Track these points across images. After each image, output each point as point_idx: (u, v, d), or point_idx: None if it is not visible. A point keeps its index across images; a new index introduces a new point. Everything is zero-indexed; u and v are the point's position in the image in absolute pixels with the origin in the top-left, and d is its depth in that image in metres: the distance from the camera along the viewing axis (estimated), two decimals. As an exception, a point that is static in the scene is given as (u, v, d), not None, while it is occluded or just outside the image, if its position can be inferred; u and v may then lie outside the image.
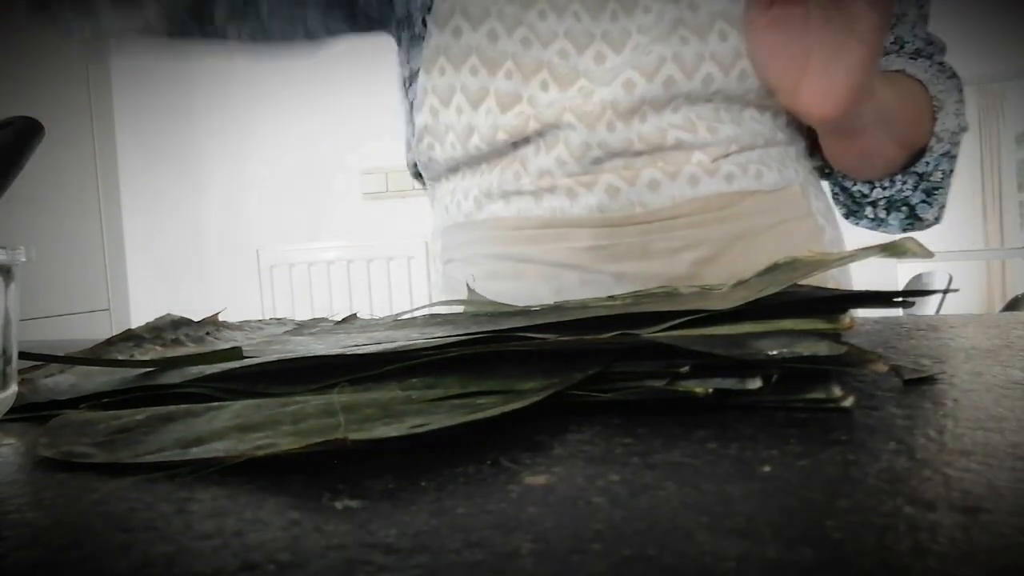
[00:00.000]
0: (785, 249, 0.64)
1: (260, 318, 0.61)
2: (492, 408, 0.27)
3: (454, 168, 0.72)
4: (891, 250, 0.33)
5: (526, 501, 0.21)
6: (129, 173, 2.67)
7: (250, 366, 0.35)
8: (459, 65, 0.67)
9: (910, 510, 0.19)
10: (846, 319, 0.33)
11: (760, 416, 0.28)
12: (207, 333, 0.52)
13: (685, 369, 0.31)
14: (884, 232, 0.78)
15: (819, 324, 0.34)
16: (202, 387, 0.34)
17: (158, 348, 0.47)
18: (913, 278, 4.08)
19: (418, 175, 0.81)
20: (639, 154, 0.64)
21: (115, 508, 0.22)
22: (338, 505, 0.21)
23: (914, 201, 0.72)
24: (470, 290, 0.66)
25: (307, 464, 0.25)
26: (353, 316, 0.60)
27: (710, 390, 0.29)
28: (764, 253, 0.64)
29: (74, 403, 0.34)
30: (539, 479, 0.22)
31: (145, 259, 2.83)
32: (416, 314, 0.63)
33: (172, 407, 0.31)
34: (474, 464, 0.24)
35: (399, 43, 0.76)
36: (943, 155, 0.69)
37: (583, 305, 0.47)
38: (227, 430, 0.27)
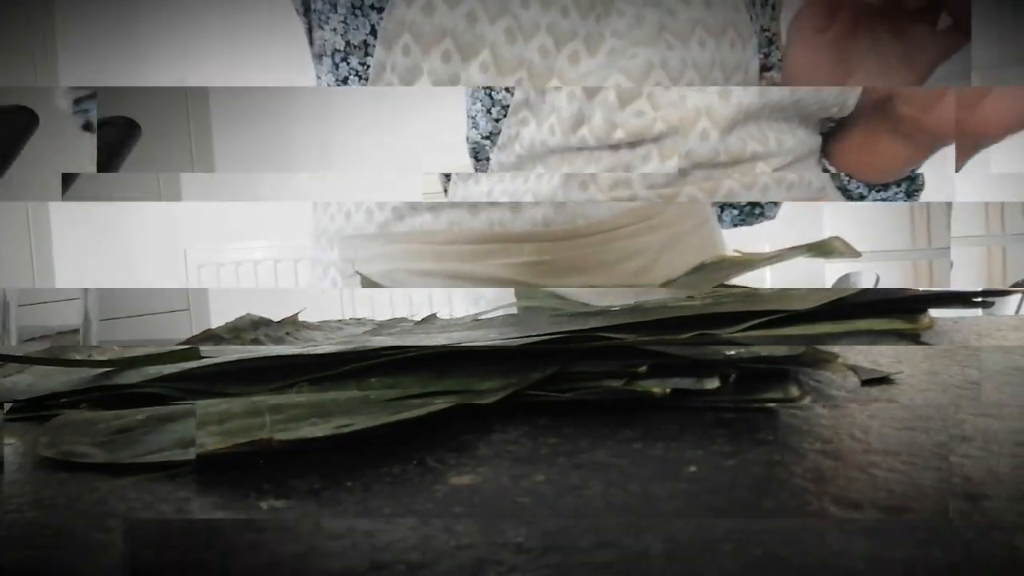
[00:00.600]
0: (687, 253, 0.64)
1: (340, 318, 0.59)
2: (415, 409, 0.27)
3: None
4: (818, 250, 0.32)
5: (451, 501, 0.21)
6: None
7: (208, 366, 0.35)
8: (429, 47, 0.61)
9: (835, 510, 0.18)
10: (925, 319, 0.32)
11: (685, 416, 0.28)
12: (287, 333, 0.51)
13: (643, 369, 0.31)
14: None
15: (897, 324, 0.33)
16: (160, 387, 0.34)
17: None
18: (840, 278, 4.02)
19: None
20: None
21: (115, 508, 0.22)
22: (263, 505, 0.21)
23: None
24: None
25: (232, 464, 0.24)
26: (433, 316, 0.58)
27: (668, 390, 0.29)
28: (687, 255, 0.64)
29: (37, 402, 0.34)
30: (464, 479, 0.22)
31: (73, 257, 2.83)
32: (496, 314, 0.61)
33: (172, 407, 0.31)
34: (399, 464, 0.24)
35: (328, 10, 0.69)
36: None
37: (663, 305, 0.45)
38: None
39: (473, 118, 0.74)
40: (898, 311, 0.32)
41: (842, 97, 0.67)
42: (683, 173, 0.63)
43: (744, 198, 0.64)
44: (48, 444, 0.28)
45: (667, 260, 0.65)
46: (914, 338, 0.31)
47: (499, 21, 0.62)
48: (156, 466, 0.25)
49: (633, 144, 0.64)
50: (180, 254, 2.67)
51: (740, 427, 0.26)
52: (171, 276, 2.78)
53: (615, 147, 0.64)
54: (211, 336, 0.49)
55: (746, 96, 0.62)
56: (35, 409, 0.34)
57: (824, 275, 2.99)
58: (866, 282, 3.95)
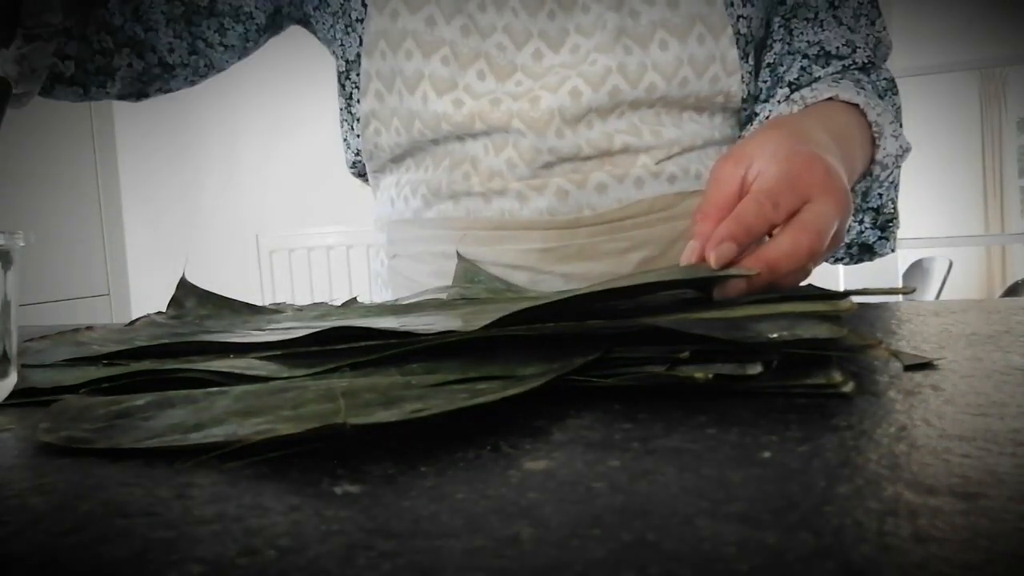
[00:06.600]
0: None
1: (261, 303, 0.61)
2: (491, 393, 0.27)
3: (400, 157, 0.72)
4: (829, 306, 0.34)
5: (526, 486, 0.21)
6: (128, 157, 2.67)
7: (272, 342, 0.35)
8: (396, 49, 0.67)
9: (910, 496, 0.19)
10: (845, 302, 0.33)
11: (760, 402, 0.28)
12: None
13: (685, 354, 0.31)
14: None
15: (819, 307, 0.34)
16: (199, 373, 0.34)
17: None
18: (913, 263, 4.08)
19: (360, 174, 0.81)
20: (587, 158, 0.65)
21: (115, 494, 0.22)
22: (338, 490, 0.21)
23: (871, 240, 0.70)
24: (475, 268, 0.66)
25: (307, 450, 0.25)
26: (353, 300, 0.60)
27: (710, 375, 0.29)
28: None
29: (75, 388, 0.34)
30: (539, 464, 0.22)
31: (144, 244, 2.82)
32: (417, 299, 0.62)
33: (171, 392, 0.31)
34: (474, 449, 0.24)
35: (331, 35, 0.74)
36: (891, 183, 0.67)
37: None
38: (226, 415, 0.27)
39: (345, 140, 0.79)
40: (819, 296, 0.33)
41: (716, 87, 0.66)
42: (548, 166, 0.65)
43: (616, 190, 0.65)
44: (48, 429, 0.28)
45: (679, 251, 0.65)
46: (835, 320, 0.31)
47: (454, 20, 0.66)
48: (156, 451, 0.25)
49: (464, 138, 0.67)
50: (252, 239, 2.65)
51: (814, 413, 0.26)
52: (243, 262, 2.76)
53: (459, 140, 0.67)
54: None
55: (597, 97, 0.64)
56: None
57: (895, 263, 3.00)
58: (939, 268, 3.96)
